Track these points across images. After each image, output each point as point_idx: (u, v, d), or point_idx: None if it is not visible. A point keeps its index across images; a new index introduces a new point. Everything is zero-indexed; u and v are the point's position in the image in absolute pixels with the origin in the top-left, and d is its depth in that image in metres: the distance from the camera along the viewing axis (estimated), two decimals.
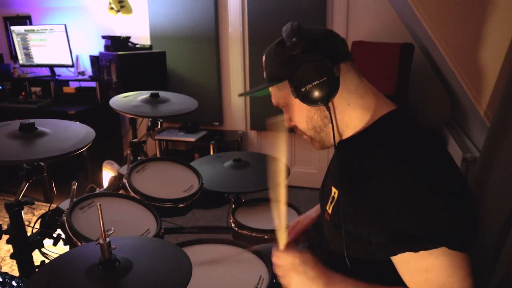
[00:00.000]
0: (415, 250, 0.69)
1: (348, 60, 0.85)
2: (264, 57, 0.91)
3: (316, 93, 0.79)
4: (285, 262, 0.84)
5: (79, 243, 1.05)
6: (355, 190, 0.79)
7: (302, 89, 0.80)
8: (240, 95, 1.06)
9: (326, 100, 0.80)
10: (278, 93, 0.91)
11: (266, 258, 1.07)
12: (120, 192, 1.38)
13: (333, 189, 0.88)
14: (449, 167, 0.77)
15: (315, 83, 0.79)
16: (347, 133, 0.89)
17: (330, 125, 0.86)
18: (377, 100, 0.86)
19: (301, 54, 0.80)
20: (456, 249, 0.68)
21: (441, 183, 0.71)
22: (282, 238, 0.88)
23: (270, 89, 0.93)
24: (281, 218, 0.89)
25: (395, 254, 0.72)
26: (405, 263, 0.73)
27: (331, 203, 0.89)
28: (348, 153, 0.88)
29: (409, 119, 0.86)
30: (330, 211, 0.89)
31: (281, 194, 0.88)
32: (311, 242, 1.12)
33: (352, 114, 0.86)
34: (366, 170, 0.78)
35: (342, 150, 0.91)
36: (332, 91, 0.80)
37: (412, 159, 0.74)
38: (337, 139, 0.90)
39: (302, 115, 0.89)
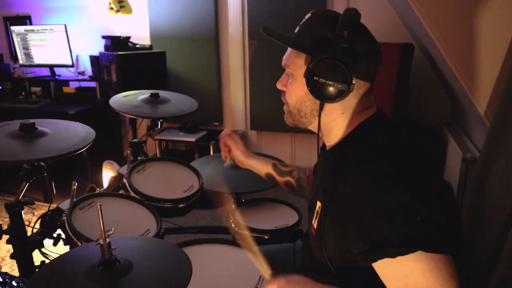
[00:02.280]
0: (392, 256, 0.69)
1: (369, 82, 0.85)
2: (309, 15, 0.86)
3: (322, 89, 0.79)
4: (274, 286, 0.85)
5: (79, 243, 1.05)
6: (335, 201, 0.79)
7: (315, 77, 0.79)
8: (264, 28, 0.89)
9: (326, 100, 0.81)
10: (294, 58, 0.87)
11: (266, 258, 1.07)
12: (120, 192, 1.38)
13: (318, 203, 0.88)
14: (423, 169, 0.77)
15: (329, 82, 0.78)
16: (330, 139, 0.90)
17: (315, 118, 0.87)
18: (365, 107, 0.86)
19: (339, 49, 0.78)
20: (432, 252, 0.67)
21: (413, 187, 0.71)
22: (264, 268, 0.91)
23: (290, 48, 0.89)
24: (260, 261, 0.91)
25: (375, 261, 0.72)
26: (385, 269, 0.72)
27: (315, 217, 0.89)
28: (329, 165, 0.88)
29: (385, 122, 0.87)
30: (315, 226, 0.89)
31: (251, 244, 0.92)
32: (302, 252, 1.13)
33: (340, 122, 0.86)
34: (343, 179, 0.78)
35: (324, 161, 0.91)
36: (335, 98, 0.80)
37: (385, 164, 0.74)
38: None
39: (298, 92, 0.88)
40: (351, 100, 0.83)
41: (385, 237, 0.69)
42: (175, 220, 2.39)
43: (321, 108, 0.83)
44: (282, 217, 1.49)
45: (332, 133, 0.88)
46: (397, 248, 0.68)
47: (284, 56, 0.90)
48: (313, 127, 0.91)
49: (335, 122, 0.87)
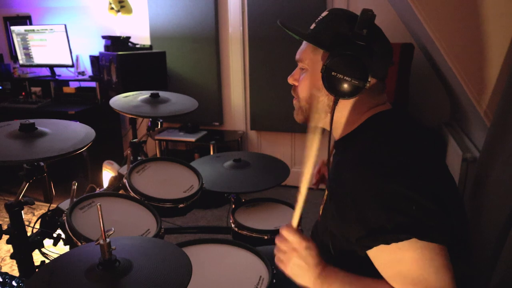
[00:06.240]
0: (387, 242, 0.70)
1: (380, 80, 0.86)
2: (326, 13, 0.89)
3: (339, 85, 0.80)
4: (293, 239, 0.82)
5: (79, 243, 1.05)
6: (337, 189, 0.81)
7: (332, 73, 0.80)
8: (281, 22, 0.92)
9: (341, 96, 0.81)
10: (309, 53, 0.89)
11: (266, 258, 1.07)
12: (120, 192, 1.38)
13: (326, 191, 0.90)
14: (425, 163, 0.78)
15: (346, 78, 0.79)
16: (338, 133, 0.91)
17: (327, 114, 0.88)
18: (376, 104, 0.88)
19: (357, 46, 0.79)
20: (426, 240, 0.68)
21: (410, 177, 0.72)
22: (296, 214, 0.87)
23: (305, 43, 0.91)
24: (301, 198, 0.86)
25: (370, 247, 0.73)
26: (379, 256, 0.74)
27: (322, 204, 0.91)
28: (338, 154, 0.90)
29: (397, 118, 0.88)
30: (320, 212, 0.91)
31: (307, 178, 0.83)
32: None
33: (350, 118, 0.88)
34: (345, 168, 0.80)
35: (335, 151, 0.94)
36: (350, 94, 0.80)
37: (384, 155, 0.76)
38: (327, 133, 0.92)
39: (311, 88, 0.88)
40: (364, 97, 0.84)
41: (380, 224, 0.70)
42: (175, 220, 2.39)
43: (335, 104, 0.84)
44: (282, 217, 1.49)
45: (342, 127, 0.90)
46: (391, 234, 0.69)
47: (299, 51, 0.92)
48: (325, 123, 0.92)
49: (345, 118, 0.88)
